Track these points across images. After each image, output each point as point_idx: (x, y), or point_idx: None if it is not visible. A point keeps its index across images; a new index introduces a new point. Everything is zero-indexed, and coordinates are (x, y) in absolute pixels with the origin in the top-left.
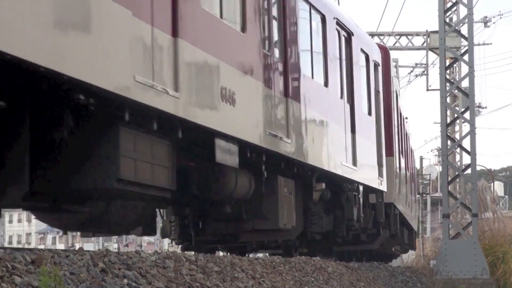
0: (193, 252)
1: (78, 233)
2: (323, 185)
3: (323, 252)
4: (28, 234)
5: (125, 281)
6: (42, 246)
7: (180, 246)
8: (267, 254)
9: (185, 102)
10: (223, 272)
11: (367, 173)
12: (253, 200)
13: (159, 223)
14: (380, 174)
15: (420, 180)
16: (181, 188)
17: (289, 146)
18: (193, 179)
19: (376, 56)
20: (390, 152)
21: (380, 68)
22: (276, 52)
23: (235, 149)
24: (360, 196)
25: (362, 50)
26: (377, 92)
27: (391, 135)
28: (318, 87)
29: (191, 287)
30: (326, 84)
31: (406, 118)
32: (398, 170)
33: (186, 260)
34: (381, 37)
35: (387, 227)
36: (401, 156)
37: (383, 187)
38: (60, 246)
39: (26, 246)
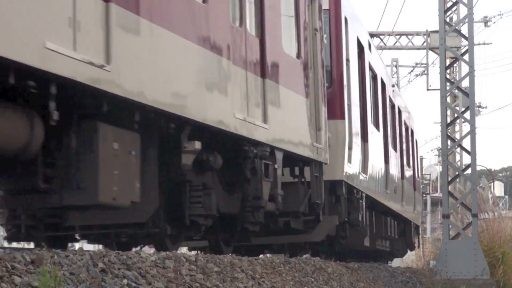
0: (193, 252)
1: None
2: (197, 144)
3: (229, 244)
4: None
5: (125, 281)
6: None
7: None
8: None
9: None
10: (223, 272)
11: (289, 135)
12: (57, 160)
13: None
14: (318, 140)
15: (420, 180)
16: None
17: (110, 75)
18: None
19: None
20: (339, 114)
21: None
22: None
23: None
24: (276, 166)
25: None
26: (314, 30)
27: (341, 91)
28: None
29: None
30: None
31: (393, 86)
32: (361, 140)
33: (186, 261)
34: (381, 37)
35: (336, 213)
36: (371, 125)
37: (323, 158)
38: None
39: (26, 246)
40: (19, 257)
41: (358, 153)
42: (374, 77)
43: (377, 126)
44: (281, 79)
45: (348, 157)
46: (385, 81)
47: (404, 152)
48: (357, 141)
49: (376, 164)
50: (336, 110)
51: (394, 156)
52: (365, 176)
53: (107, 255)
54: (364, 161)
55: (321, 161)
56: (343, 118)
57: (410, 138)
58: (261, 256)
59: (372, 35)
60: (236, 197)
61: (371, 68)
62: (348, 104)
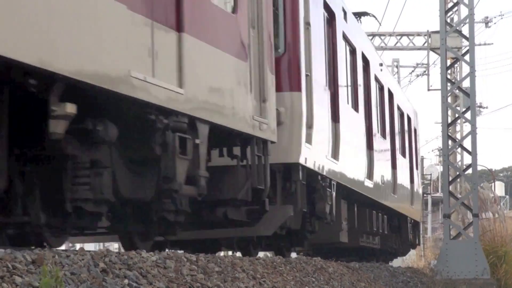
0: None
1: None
2: (69, 107)
3: (146, 238)
4: None
5: (126, 281)
6: None
7: None
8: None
9: None
10: (224, 272)
11: (217, 104)
12: None
13: None
14: (262, 113)
15: (421, 180)
16: None
17: None
18: None
19: None
20: (296, 85)
21: None
22: None
23: None
24: (199, 141)
25: None
26: None
27: (297, 59)
28: None
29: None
30: None
31: (381, 64)
32: (330, 120)
33: (187, 260)
34: (382, 37)
35: (291, 202)
36: (346, 104)
37: (268, 134)
38: (61, 246)
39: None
40: (20, 257)
41: (323, 134)
42: (352, 51)
43: (355, 106)
44: (207, 35)
45: (307, 136)
46: (368, 57)
47: (397, 140)
48: (321, 119)
49: (353, 149)
50: (291, 80)
51: (382, 143)
52: (335, 161)
53: (108, 255)
54: (334, 144)
55: (265, 138)
56: (299, 90)
57: (406, 125)
58: (262, 255)
59: (373, 35)
60: (149, 179)
61: (346, 40)
62: (307, 74)
